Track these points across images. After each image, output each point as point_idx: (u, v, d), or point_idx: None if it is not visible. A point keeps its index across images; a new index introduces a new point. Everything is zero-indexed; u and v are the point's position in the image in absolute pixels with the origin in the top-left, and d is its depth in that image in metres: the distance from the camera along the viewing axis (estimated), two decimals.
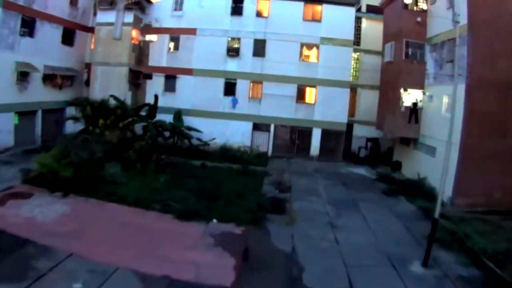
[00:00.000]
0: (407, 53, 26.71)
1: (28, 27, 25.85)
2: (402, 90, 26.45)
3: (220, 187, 20.03)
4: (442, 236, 15.45)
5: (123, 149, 23.68)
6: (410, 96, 26.34)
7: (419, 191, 22.52)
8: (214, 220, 16.32)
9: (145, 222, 15.70)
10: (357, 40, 33.99)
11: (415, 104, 26.02)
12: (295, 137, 32.54)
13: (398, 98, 26.57)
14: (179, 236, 14.67)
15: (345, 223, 17.34)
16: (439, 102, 23.98)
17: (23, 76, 25.77)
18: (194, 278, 11.54)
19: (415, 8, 27.24)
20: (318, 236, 15.68)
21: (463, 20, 19.30)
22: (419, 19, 26.33)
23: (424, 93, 26.03)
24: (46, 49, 27.60)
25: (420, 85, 26.35)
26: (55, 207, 15.98)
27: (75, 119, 25.47)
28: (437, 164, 22.33)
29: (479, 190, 20.40)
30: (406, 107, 26.32)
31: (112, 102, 25.99)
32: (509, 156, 20.08)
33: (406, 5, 26.74)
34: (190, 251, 13.44)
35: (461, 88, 19.82)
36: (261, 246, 14.34)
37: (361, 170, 28.79)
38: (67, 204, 16.55)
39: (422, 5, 27.14)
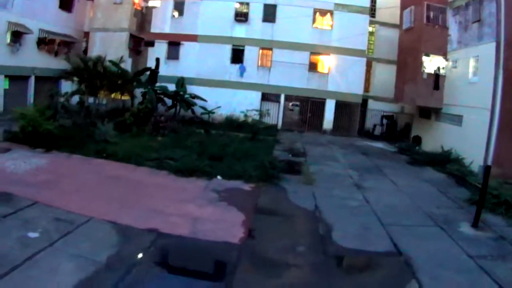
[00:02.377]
0: (428, 17, 24.63)
1: None
2: (423, 57, 24.15)
3: (225, 149, 17.71)
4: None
5: (119, 114, 21.75)
6: (432, 63, 24.13)
7: (446, 161, 20.28)
8: (218, 177, 13.95)
9: (134, 176, 13.43)
10: (372, 12, 31.69)
11: (437, 71, 23.79)
12: (306, 109, 30.12)
13: (420, 65, 24.48)
14: (174, 191, 12.35)
15: (372, 185, 15.09)
16: (464, 67, 22.00)
17: (15, 37, 23.89)
18: (190, 233, 9.15)
19: None
20: (344, 196, 13.40)
21: None
22: None
23: (447, 60, 23.79)
24: (42, 12, 25.78)
25: (443, 51, 24.25)
26: (30, 160, 13.74)
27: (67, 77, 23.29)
28: (465, 133, 20.58)
29: None
30: (429, 74, 24.15)
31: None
32: None
33: None
34: (186, 205, 11.04)
35: (491, 48, 17.66)
36: (277, 203, 12.07)
37: (379, 144, 26.69)
38: (46, 158, 14.34)
39: None
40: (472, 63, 21.23)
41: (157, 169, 14.44)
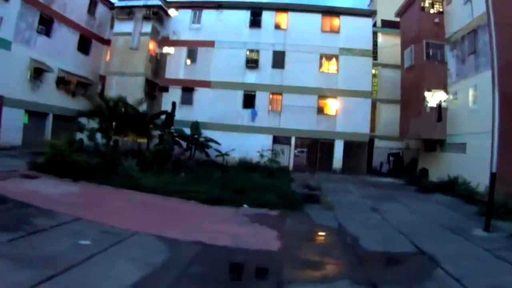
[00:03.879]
0: (428, 54, 26.65)
1: (46, 25, 25.92)
2: (425, 92, 25.68)
3: (246, 184, 18.48)
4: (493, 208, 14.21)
5: (136, 154, 22.87)
6: (434, 97, 25.62)
7: (453, 186, 21.32)
8: (245, 205, 14.74)
9: (166, 204, 14.23)
10: (374, 55, 33.52)
11: (439, 105, 25.21)
12: (316, 150, 31.21)
13: (422, 100, 26.09)
14: (207, 215, 13.16)
15: (387, 208, 16.01)
16: (464, 97, 23.59)
17: (36, 74, 25.44)
18: (233, 244, 10.01)
19: (431, 10, 27.21)
20: (363, 216, 14.34)
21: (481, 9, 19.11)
22: (437, 19, 26.52)
23: (448, 92, 25.28)
24: (61, 52, 27.49)
25: (443, 85, 25.99)
26: (62, 187, 14.59)
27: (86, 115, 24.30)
28: (470, 159, 21.70)
29: None
30: (431, 108, 25.56)
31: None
32: None
33: (423, 8, 27.09)
34: (222, 224, 11.88)
35: (487, 75, 19.13)
36: (304, 223, 12.91)
37: (388, 179, 27.69)
38: (76, 186, 15.23)
39: (438, 7, 27.27)
40: (471, 92, 22.62)
41: (185, 199, 15.21)
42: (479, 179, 19.82)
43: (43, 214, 10.59)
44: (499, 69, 19.43)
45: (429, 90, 26.03)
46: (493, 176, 13.24)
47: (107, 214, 11.56)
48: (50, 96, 27.10)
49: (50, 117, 27.48)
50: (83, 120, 26.77)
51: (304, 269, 8.70)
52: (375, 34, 34.63)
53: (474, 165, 20.70)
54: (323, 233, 12.06)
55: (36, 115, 26.01)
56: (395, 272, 8.85)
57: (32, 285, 6.09)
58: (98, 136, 23.51)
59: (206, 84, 31.99)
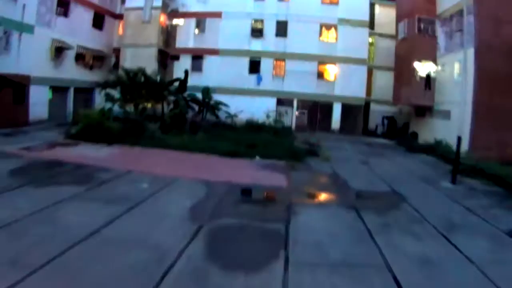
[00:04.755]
0: (419, 28, 28.82)
1: (63, 7, 27.86)
2: (416, 62, 28.21)
3: (255, 141, 21.70)
4: (464, 168, 17.24)
5: (153, 119, 25.62)
6: (424, 68, 28.15)
7: (437, 149, 24.15)
8: (257, 157, 18.02)
9: (193, 158, 17.44)
10: (371, 25, 35.83)
11: (428, 75, 27.84)
12: (316, 111, 34.22)
13: (413, 70, 28.41)
14: (228, 164, 16.49)
15: (375, 162, 19.28)
16: (451, 69, 25.93)
17: (58, 52, 27.55)
18: (253, 182, 13.34)
19: None
20: (353, 167, 17.67)
21: None
22: None
23: (436, 64, 27.84)
24: (78, 30, 29.55)
25: (432, 57, 28.22)
26: (101, 150, 17.53)
27: (107, 86, 26.96)
28: (453, 125, 24.15)
29: (492, 145, 21.82)
30: (421, 77, 28.15)
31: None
32: None
33: None
34: (242, 170, 15.30)
35: (471, 52, 21.99)
36: (306, 170, 16.33)
37: (381, 140, 30.78)
38: (113, 149, 17.99)
39: None
40: (456, 65, 25.13)
41: (207, 154, 18.36)
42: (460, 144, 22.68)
43: (100, 170, 13.53)
44: (478, 48, 22.37)
45: (419, 61, 28.41)
46: (459, 139, 16.21)
47: (149, 167, 14.67)
48: (70, 71, 29.30)
49: (71, 90, 29.83)
50: (99, 91, 29.71)
51: (305, 197, 12.04)
52: (372, 6, 36.76)
53: (456, 130, 23.33)
54: (320, 177, 15.45)
55: (59, 90, 28.21)
56: (372, 203, 12.07)
57: (121, 214, 9.18)
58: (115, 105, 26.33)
59: (215, 52, 34.55)
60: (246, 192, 12.46)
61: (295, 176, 14.88)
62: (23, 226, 7.90)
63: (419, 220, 10.37)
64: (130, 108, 24.90)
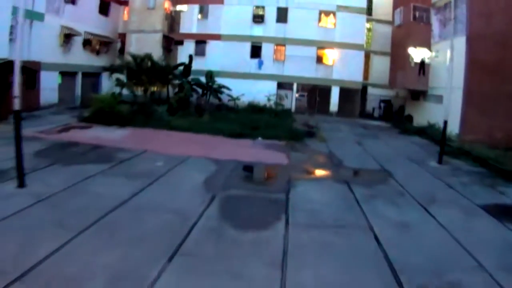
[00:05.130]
0: (414, 16, 29.98)
1: None
2: (411, 49, 29.48)
3: (257, 123, 23.18)
4: (451, 150, 18.82)
5: (159, 102, 27.08)
6: (418, 54, 29.42)
7: (429, 132, 25.58)
8: (259, 138, 19.53)
9: (200, 138, 18.90)
10: (369, 11, 36.98)
11: (422, 61, 29.14)
12: (315, 95, 35.66)
13: (408, 56, 29.69)
14: (233, 144, 18.01)
15: (369, 143, 20.80)
16: (444, 56, 27.01)
17: (67, 38, 28.67)
18: (257, 160, 14.91)
19: None
20: (348, 147, 19.21)
21: None
22: None
23: (431, 50, 29.10)
24: (86, 17, 30.59)
25: (427, 44, 29.41)
26: (115, 132, 18.89)
27: (115, 71, 28.29)
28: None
29: (482, 129, 22.85)
30: (416, 63, 29.43)
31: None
32: (508, 100, 22.46)
33: None
34: (246, 150, 16.83)
35: (462, 40, 23.28)
36: (304, 149, 17.89)
37: (377, 122, 32.19)
38: (125, 131, 19.30)
39: None
40: (449, 52, 26.35)
41: (213, 135, 19.84)
42: (451, 127, 23.72)
43: (117, 150, 14.96)
44: (469, 37, 23.61)
45: (414, 47, 29.65)
46: (445, 123, 17.66)
47: (162, 147, 16.12)
48: (78, 57, 30.40)
49: (79, 75, 30.99)
50: (105, 75, 31.08)
51: (303, 173, 13.59)
52: None
53: (449, 114, 24.80)
54: (317, 156, 16.99)
55: (67, 75, 29.32)
56: (362, 178, 13.70)
57: (145, 186, 10.67)
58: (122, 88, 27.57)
59: (217, 37, 35.78)
60: (251, 168, 14.01)
61: (294, 155, 16.44)
62: (62, 198, 9.37)
63: (402, 193, 11.90)
64: (138, 92, 26.10)
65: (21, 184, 9.95)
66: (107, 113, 20.88)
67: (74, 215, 8.30)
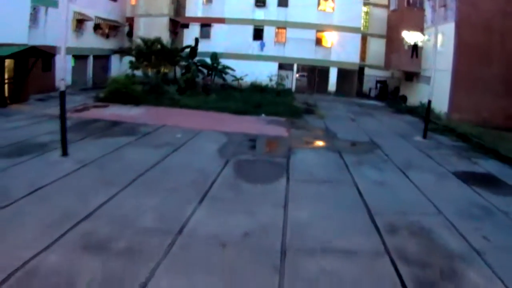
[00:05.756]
0: (408, 2, 31.91)
1: None
2: (405, 32, 31.32)
3: (260, 101, 25.22)
4: (437, 127, 20.97)
5: (167, 82, 28.91)
6: (411, 37, 31.26)
7: (421, 111, 27.50)
8: (263, 115, 21.65)
9: (208, 115, 20.98)
10: None
11: (415, 44, 31.01)
12: (314, 75, 37.73)
13: (402, 39, 31.53)
14: (239, 120, 20.12)
15: (363, 120, 22.98)
16: (435, 40, 28.91)
17: (79, 23, 30.43)
18: (262, 133, 17.12)
19: None
20: (343, 123, 21.38)
21: None
22: None
23: (424, 34, 30.93)
24: (96, 2, 32.20)
25: (420, 28, 31.20)
26: (132, 110, 20.72)
27: (127, 53, 30.30)
28: (436, 90, 27.15)
29: (469, 109, 24.95)
30: (409, 46, 31.30)
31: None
32: (494, 82, 24.55)
33: None
34: (251, 125, 18.95)
35: (452, 26, 25.26)
36: (303, 125, 20.08)
37: (373, 102, 34.25)
38: (141, 109, 21.26)
39: None
40: (440, 37, 28.15)
41: (221, 112, 21.93)
42: (441, 106, 25.92)
43: (139, 125, 16.99)
44: (458, 22, 25.45)
45: (408, 31, 31.45)
46: (429, 103, 19.64)
47: (177, 122, 18.15)
48: (90, 41, 32.01)
49: (91, 58, 32.65)
50: (114, 57, 32.98)
51: (302, 143, 15.79)
52: None
53: (438, 95, 26.29)
54: (314, 130, 19.23)
55: (80, 58, 30.90)
56: (353, 148, 15.90)
57: (166, 155, 12.70)
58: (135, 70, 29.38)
59: (221, 20, 37.43)
60: (256, 139, 16.19)
61: (294, 129, 18.65)
62: (102, 163, 11.44)
63: (386, 161, 14.09)
64: (149, 73, 28.04)
65: (65, 153, 11.92)
66: (122, 93, 22.70)
67: (116, 174, 10.41)
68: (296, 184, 10.57)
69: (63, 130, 12.09)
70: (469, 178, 12.58)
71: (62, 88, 12.23)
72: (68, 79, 28.55)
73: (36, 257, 6.00)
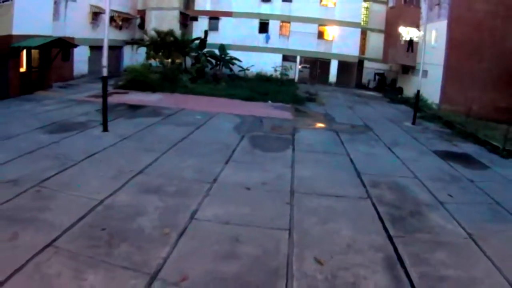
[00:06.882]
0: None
1: None
2: (401, 28, 33.60)
3: (267, 89, 27.64)
4: (427, 115, 23.30)
5: (182, 71, 31.28)
6: (408, 33, 33.53)
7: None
8: (269, 101, 24.10)
9: (221, 101, 23.34)
10: None
11: (411, 39, 33.30)
12: (316, 67, 40.16)
13: (399, 34, 33.83)
14: (248, 105, 22.51)
15: (359, 108, 25.40)
16: (429, 36, 31.06)
17: (95, 15, 32.35)
18: (269, 115, 19.58)
19: None
20: (341, 110, 23.79)
21: None
22: None
23: (419, 30, 33.17)
24: None
25: (416, 25, 33.52)
26: (150, 96, 22.83)
27: (135, 44, 32.73)
28: (429, 82, 29.44)
29: (460, 101, 26.00)
30: (405, 41, 33.61)
31: None
32: (483, 76, 26.53)
33: None
34: (260, 109, 21.40)
35: (444, 24, 27.40)
36: (305, 110, 22.57)
37: (371, 93, 36.62)
38: (158, 95, 23.20)
39: None
40: (434, 33, 30.44)
41: (231, 98, 24.37)
42: (433, 98, 28.12)
43: (160, 108, 19.25)
44: (450, 20, 27.66)
45: (405, 27, 33.74)
46: (417, 93, 22.12)
47: (195, 106, 20.52)
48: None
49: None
50: (126, 48, 35.22)
51: (304, 125, 18.27)
52: None
53: (431, 87, 28.71)
54: (315, 115, 21.67)
55: (95, 48, 31.75)
56: (348, 130, 18.27)
57: (191, 132, 15.12)
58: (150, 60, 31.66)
59: (229, 14, 39.72)
60: (266, 120, 18.61)
61: (298, 114, 21.19)
62: (139, 136, 13.80)
63: (376, 139, 16.57)
64: (162, 63, 30.40)
65: (105, 129, 14.16)
66: (140, 81, 24.79)
67: (154, 144, 12.80)
68: (300, 153, 13.06)
69: (105, 109, 14.42)
70: (446, 156, 14.83)
71: (105, 73, 14.74)
72: (85, 69, 31.06)
73: (109, 198, 8.23)
